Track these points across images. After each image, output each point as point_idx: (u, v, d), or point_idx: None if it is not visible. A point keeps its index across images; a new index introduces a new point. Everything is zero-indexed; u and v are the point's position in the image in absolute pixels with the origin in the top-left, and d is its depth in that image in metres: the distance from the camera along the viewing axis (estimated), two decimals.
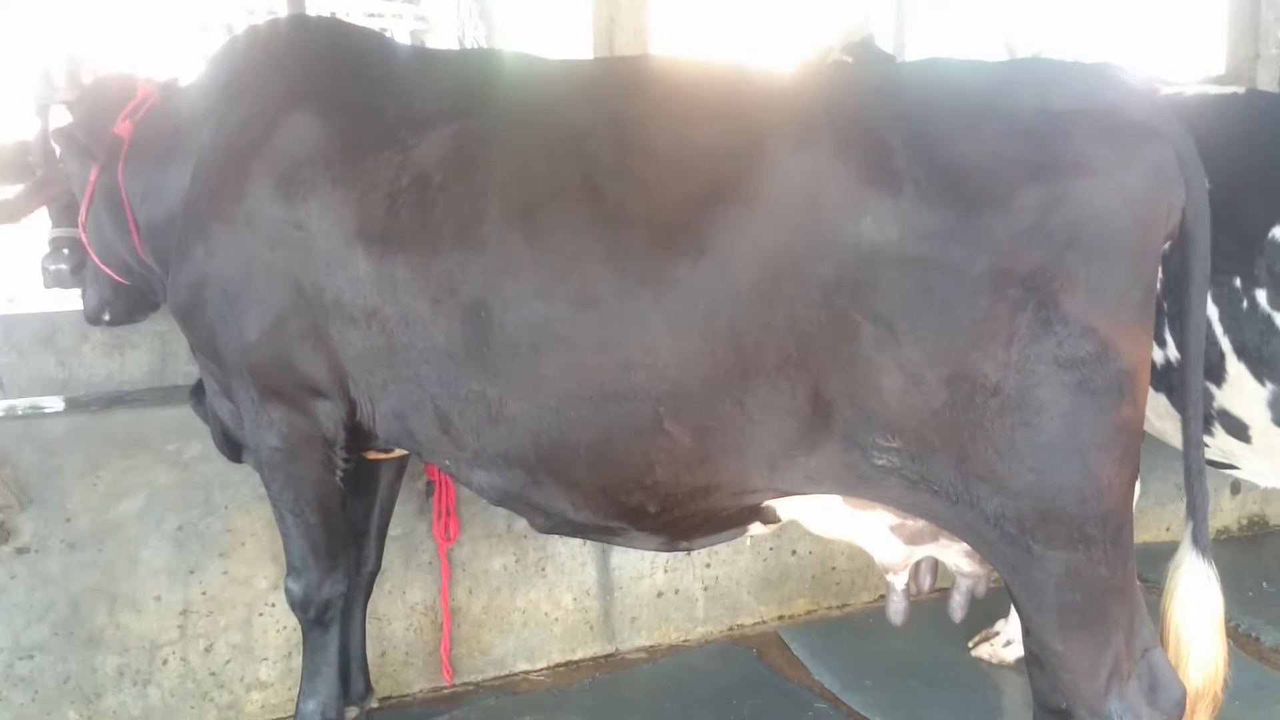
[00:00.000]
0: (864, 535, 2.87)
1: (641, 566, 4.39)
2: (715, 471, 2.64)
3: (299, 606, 3.29)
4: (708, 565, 4.50)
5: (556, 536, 4.20)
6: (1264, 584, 4.90)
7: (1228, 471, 3.55)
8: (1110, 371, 2.33)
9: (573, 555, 4.28)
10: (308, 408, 2.99)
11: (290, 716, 3.66)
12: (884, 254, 2.36)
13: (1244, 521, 5.56)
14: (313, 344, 2.89)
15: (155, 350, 4.77)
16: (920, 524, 2.76)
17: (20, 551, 3.55)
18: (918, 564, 2.98)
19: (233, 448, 3.40)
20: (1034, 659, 2.93)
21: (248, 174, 2.90)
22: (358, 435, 3.06)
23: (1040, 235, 2.29)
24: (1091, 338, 2.30)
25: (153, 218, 3.31)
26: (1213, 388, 3.20)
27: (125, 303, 3.76)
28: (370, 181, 2.78)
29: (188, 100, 3.33)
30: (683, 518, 2.77)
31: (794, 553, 4.62)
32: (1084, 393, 2.33)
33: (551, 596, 4.27)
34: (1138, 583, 2.58)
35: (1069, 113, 2.37)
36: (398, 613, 4.01)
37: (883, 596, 4.66)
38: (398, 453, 3.35)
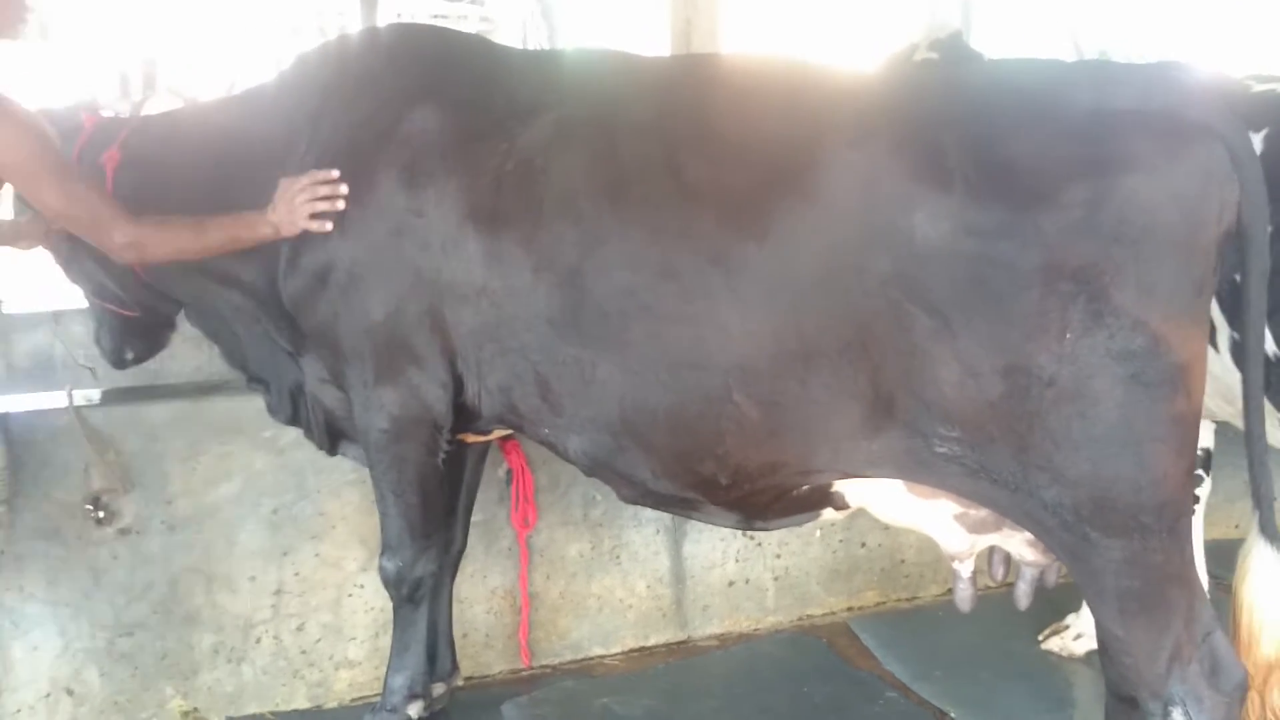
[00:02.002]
0: (929, 523, 2.95)
1: (713, 556, 4.48)
2: (781, 447, 2.76)
3: (392, 583, 3.42)
4: (778, 556, 4.57)
5: (631, 525, 4.32)
6: None
7: None
8: (1163, 365, 2.38)
9: (646, 544, 4.38)
10: (418, 391, 3.14)
11: (378, 693, 3.82)
12: (937, 249, 2.45)
13: None
14: (429, 325, 3.07)
15: None
16: (984, 513, 2.82)
17: (123, 533, 3.72)
18: (990, 554, 3.04)
19: (331, 439, 3.52)
20: (1103, 647, 3.00)
21: (374, 166, 3.07)
22: (462, 415, 3.21)
23: (1088, 230, 2.35)
24: (1143, 331, 2.36)
25: None
26: None
27: (141, 336, 3.77)
28: (480, 168, 2.99)
29: (262, 112, 3.40)
30: (753, 493, 2.90)
31: (863, 545, 4.68)
32: (1137, 385, 2.39)
33: (626, 583, 4.37)
34: (1197, 570, 2.64)
35: (1122, 113, 2.42)
36: (479, 596, 4.14)
37: (952, 589, 4.76)
38: (495, 434, 3.48)
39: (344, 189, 3.06)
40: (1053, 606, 4.49)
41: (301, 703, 3.97)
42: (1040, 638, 4.36)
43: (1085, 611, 4.29)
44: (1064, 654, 4.28)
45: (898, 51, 4.20)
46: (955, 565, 3.08)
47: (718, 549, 4.48)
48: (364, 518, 3.93)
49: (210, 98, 3.66)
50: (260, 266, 3.28)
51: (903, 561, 4.76)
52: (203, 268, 3.31)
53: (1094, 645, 4.12)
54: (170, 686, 3.82)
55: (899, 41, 4.11)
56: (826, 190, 2.57)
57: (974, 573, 3.07)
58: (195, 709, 3.84)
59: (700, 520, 3.19)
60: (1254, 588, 2.69)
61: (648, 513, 4.38)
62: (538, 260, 2.89)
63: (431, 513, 3.38)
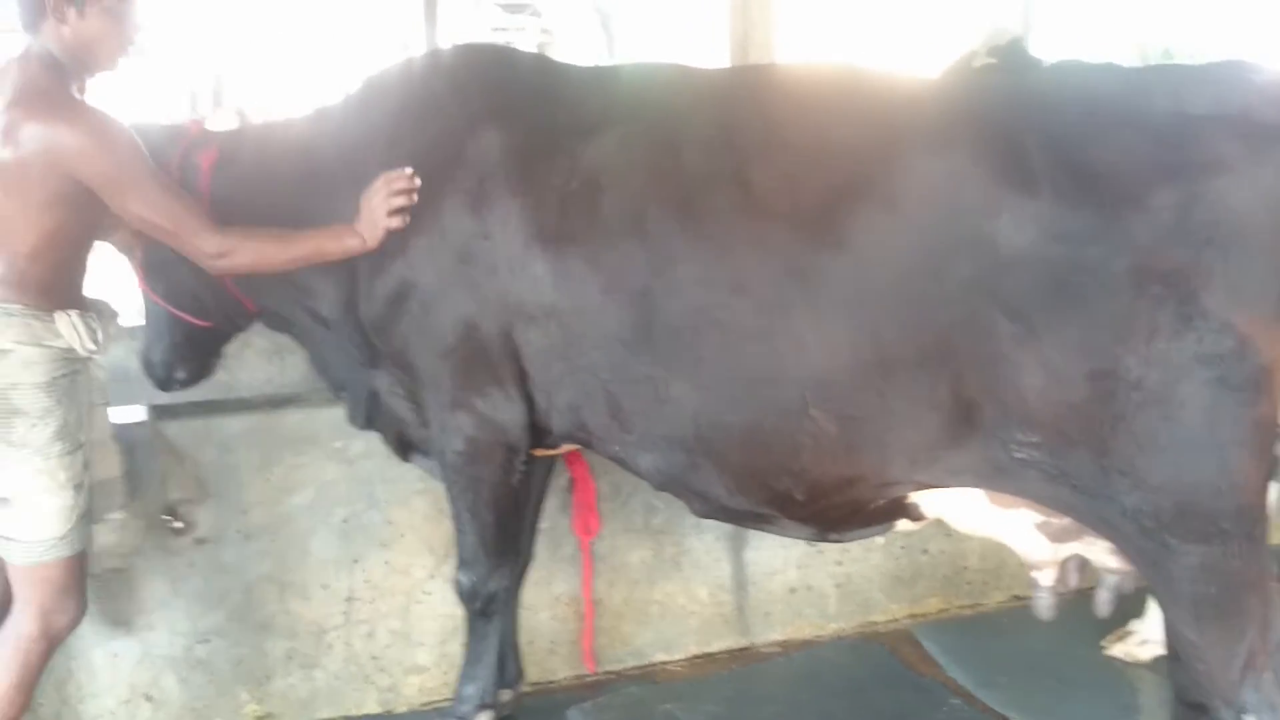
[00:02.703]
0: (1009, 533, 2.94)
1: (774, 563, 4.51)
2: (858, 460, 2.76)
3: (467, 598, 3.48)
4: (839, 563, 4.59)
5: (692, 532, 4.35)
6: None
7: None
8: (1248, 368, 2.38)
9: (708, 550, 4.42)
10: (494, 414, 3.17)
11: (447, 700, 3.90)
12: (1022, 253, 2.46)
13: None
14: (501, 348, 3.09)
15: None
16: (1065, 521, 2.81)
17: (199, 542, 3.82)
18: (1065, 561, 3.02)
19: (403, 447, 3.60)
20: (1173, 654, 2.98)
21: (441, 191, 3.10)
22: (533, 433, 3.25)
23: (1178, 233, 2.37)
24: (1230, 334, 2.36)
25: None
26: None
27: (197, 355, 3.71)
28: (545, 187, 3.01)
29: (337, 124, 3.44)
30: (829, 508, 2.90)
31: (925, 552, 4.68)
32: (1223, 388, 2.39)
33: (687, 590, 4.41)
34: (1273, 578, 2.62)
35: (1203, 116, 2.44)
36: (543, 603, 4.19)
37: (1015, 597, 4.79)
38: (564, 448, 3.51)
39: (418, 181, 3.08)
40: (1117, 612, 4.43)
41: (372, 707, 4.05)
42: (1104, 643, 4.33)
43: (1150, 617, 4.26)
44: (1129, 660, 4.25)
45: (958, 59, 4.19)
46: (1035, 574, 3.07)
47: (779, 555, 4.50)
48: (432, 526, 4.01)
49: (296, 112, 3.71)
50: (339, 281, 3.32)
51: (965, 568, 4.75)
52: (290, 278, 3.36)
53: (1159, 651, 4.14)
54: (245, 692, 3.91)
55: (958, 49, 4.10)
56: (904, 197, 2.58)
57: (1054, 582, 3.06)
58: (269, 714, 3.93)
59: (774, 533, 3.19)
60: None
61: (709, 520, 4.42)
62: (607, 279, 2.90)
63: (506, 531, 3.43)
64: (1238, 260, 2.37)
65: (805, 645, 4.52)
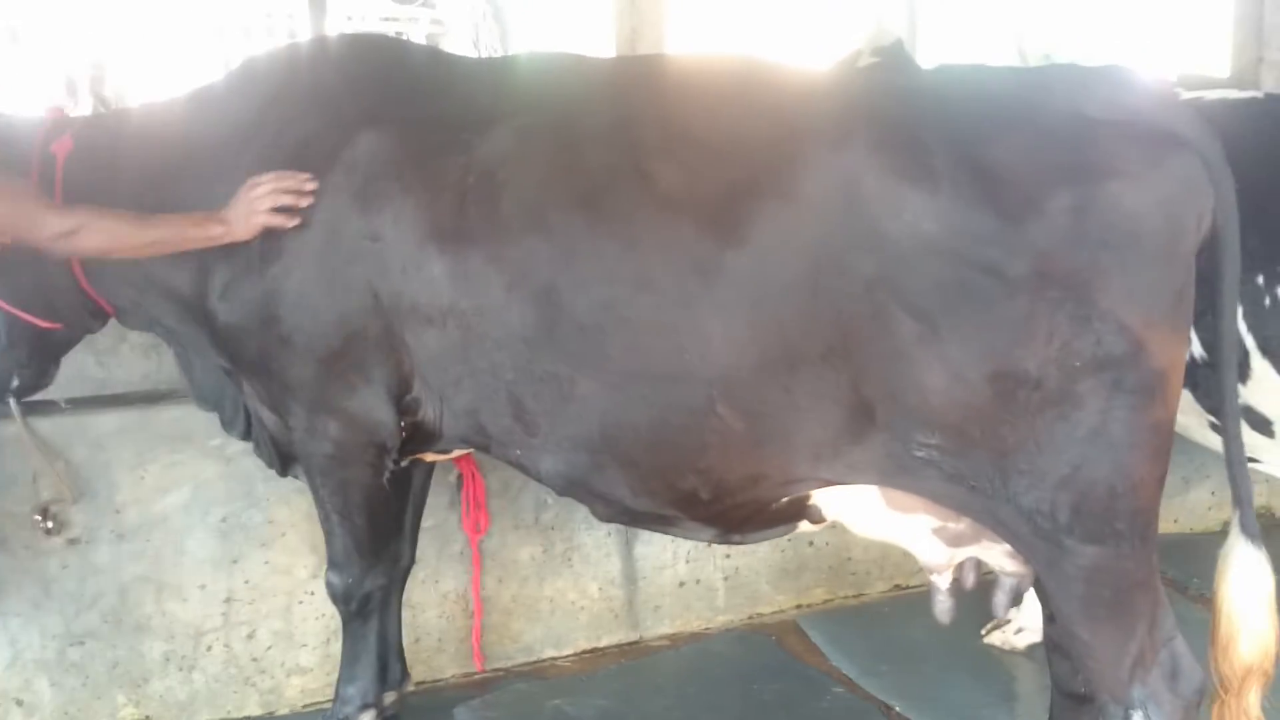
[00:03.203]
0: (907, 538, 2.96)
1: (664, 557, 4.53)
2: (764, 458, 2.75)
3: (340, 599, 3.44)
4: (728, 556, 4.63)
5: (583, 528, 4.35)
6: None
7: (1251, 465, 3.65)
8: (1143, 371, 2.43)
9: (598, 546, 4.43)
10: (367, 415, 3.10)
11: (330, 700, 3.83)
12: (923, 251, 2.46)
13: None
14: (384, 349, 3.01)
15: None
16: (962, 526, 2.84)
17: (72, 542, 3.71)
18: (962, 563, 3.05)
19: (283, 460, 3.46)
20: (1056, 646, 3.05)
21: (324, 189, 2.96)
22: (421, 438, 3.17)
23: (1075, 236, 2.39)
24: (1126, 336, 2.40)
25: None
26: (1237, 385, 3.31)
27: (38, 358, 3.46)
28: (439, 184, 2.90)
29: (209, 111, 3.30)
30: (733, 507, 2.88)
31: (811, 544, 4.74)
32: (1119, 391, 2.43)
33: (578, 586, 4.41)
34: (1159, 576, 2.69)
35: (1100, 119, 2.46)
36: (431, 601, 4.16)
37: (898, 586, 4.89)
38: (455, 453, 3.46)
39: (312, 186, 2.94)
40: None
41: (254, 710, 3.97)
42: (983, 632, 4.44)
43: (1026, 606, 4.37)
44: (1006, 648, 4.37)
45: (843, 57, 4.26)
46: (933, 578, 3.09)
47: (668, 550, 4.52)
48: (314, 525, 3.89)
49: (161, 98, 3.56)
50: (195, 280, 3.16)
51: (850, 559, 4.83)
52: (147, 273, 3.20)
53: (1035, 639, 4.27)
54: (122, 695, 3.81)
55: (843, 48, 4.18)
56: (806, 192, 2.55)
57: (950, 584, 3.09)
58: (147, 717, 3.84)
59: (676, 535, 3.18)
60: (1233, 589, 2.70)
61: None
62: (510, 277, 2.81)
63: (378, 531, 3.39)
64: (1133, 263, 2.39)
65: (694, 638, 4.56)
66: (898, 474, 2.68)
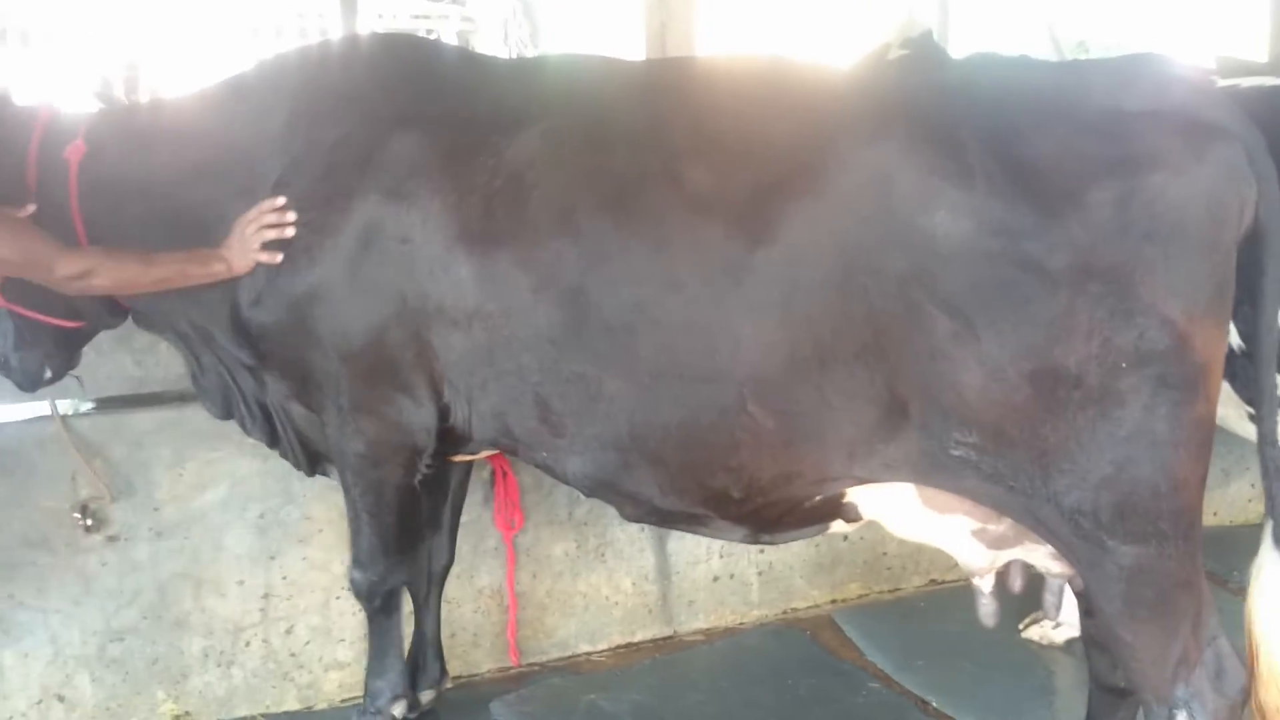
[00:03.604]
0: (946, 540, 2.92)
1: (698, 552, 4.53)
2: (796, 456, 2.72)
3: (364, 596, 3.45)
4: (761, 551, 4.62)
5: (615, 523, 4.35)
6: None
7: None
8: (1187, 366, 2.39)
9: (631, 541, 4.43)
10: (400, 417, 3.10)
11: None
12: (959, 248, 2.42)
13: None
14: (414, 352, 3.00)
15: None
16: (1003, 528, 2.80)
17: (111, 540, 3.75)
18: (1008, 566, 3.00)
19: (310, 459, 3.49)
20: (1094, 640, 3.03)
21: (352, 190, 2.98)
22: (451, 440, 3.17)
23: (1118, 230, 2.35)
24: (1170, 330, 2.36)
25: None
26: None
27: (66, 349, 3.52)
28: (468, 186, 2.90)
29: (232, 113, 3.27)
30: (765, 506, 2.85)
31: (845, 538, 4.73)
32: (1162, 387, 2.39)
33: (611, 581, 4.42)
34: (1204, 575, 2.63)
35: (1141, 112, 2.42)
36: (466, 596, 4.18)
37: (934, 581, 4.86)
38: (484, 454, 3.45)
39: (291, 216, 2.99)
40: (1033, 596, 4.55)
41: (292, 704, 4.00)
42: (1020, 627, 4.42)
43: (1065, 600, 4.35)
44: (1044, 642, 4.35)
45: (872, 50, 4.23)
46: (975, 581, 3.04)
47: (702, 545, 4.52)
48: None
49: (173, 94, 3.54)
50: (227, 287, 3.15)
51: (884, 554, 4.81)
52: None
53: (1073, 634, 4.24)
54: (161, 691, 3.85)
55: (872, 40, 4.15)
56: (839, 190, 2.53)
57: (994, 587, 3.04)
58: (186, 713, 3.87)
59: (706, 535, 3.16)
60: (1266, 614, 2.66)
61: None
62: (537, 279, 2.81)
63: (407, 531, 3.39)
64: (1177, 256, 2.35)
65: (728, 633, 4.56)
66: (934, 472, 2.64)
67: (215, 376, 3.46)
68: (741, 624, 4.62)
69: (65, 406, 3.72)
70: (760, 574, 4.64)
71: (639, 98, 2.99)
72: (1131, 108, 2.43)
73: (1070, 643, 4.30)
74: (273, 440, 3.51)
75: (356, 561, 3.41)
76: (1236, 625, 2.76)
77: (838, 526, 3.01)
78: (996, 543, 2.86)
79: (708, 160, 2.71)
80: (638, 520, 3.14)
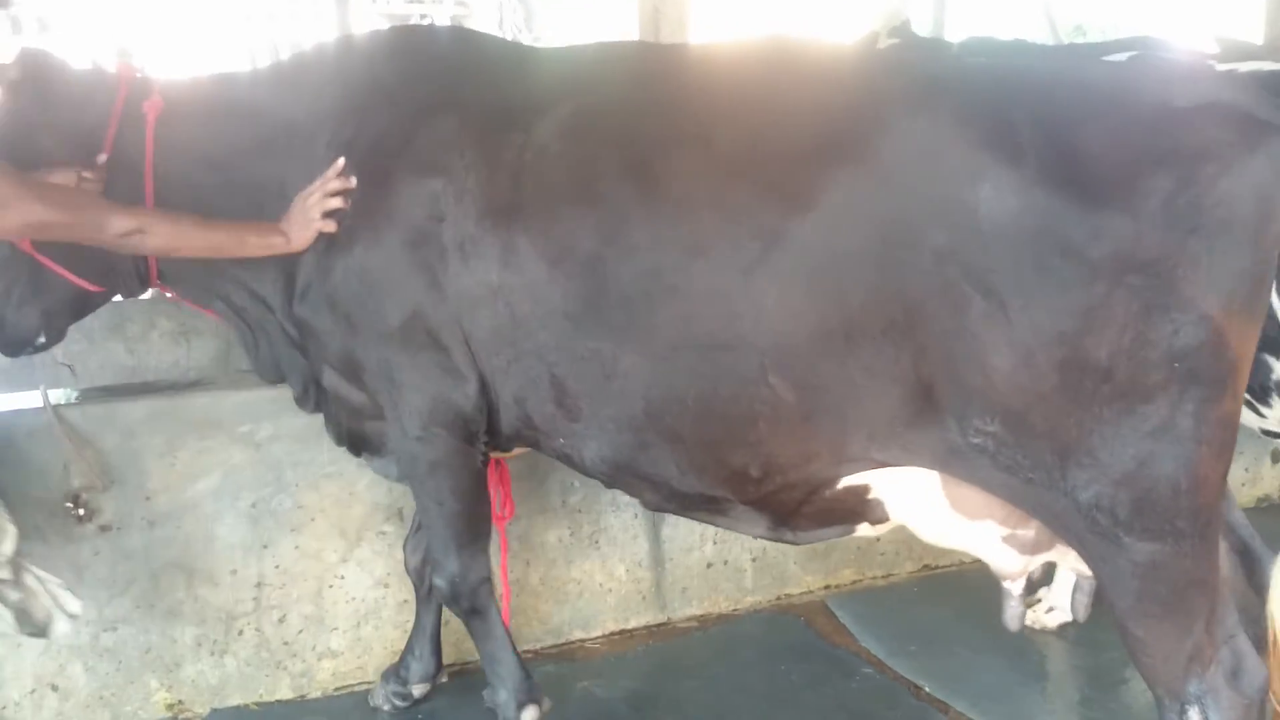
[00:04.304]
0: (977, 545, 2.89)
1: (691, 539, 4.53)
2: (815, 434, 2.68)
3: (449, 600, 3.43)
4: (755, 537, 4.62)
5: (609, 510, 4.37)
6: None
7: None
8: (1219, 363, 2.34)
9: (625, 528, 4.43)
10: (448, 394, 3.10)
11: (361, 684, 3.93)
12: (1001, 226, 2.38)
13: None
14: (449, 330, 3.02)
15: (220, 336, 4.98)
16: (1032, 532, 2.78)
17: (103, 529, 3.74)
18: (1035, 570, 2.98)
19: (353, 442, 3.50)
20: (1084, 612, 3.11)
21: (392, 172, 3.02)
22: (493, 428, 3.18)
23: (1165, 222, 2.30)
24: (1206, 326, 2.31)
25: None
26: (1272, 360, 3.26)
27: (67, 315, 3.43)
28: (497, 163, 2.93)
29: (289, 93, 3.32)
30: (785, 487, 2.81)
31: None
32: (1193, 383, 2.34)
33: (605, 568, 4.42)
34: (1221, 573, 2.60)
35: (1192, 107, 2.39)
36: None
37: (927, 566, 4.87)
38: (515, 452, 3.44)
39: (352, 181, 3.04)
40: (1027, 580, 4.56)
41: (285, 693, 4.00)
42: None
43: (1057, 585, 4.37)
44: (1036, 627, 4.35)
45: (861, 38, 4.24)
46: (1005, 584, 3.02)
47: (695, 532, 4.52)
48: (342, 510, 3.97)
49: (240, 69, 3.57)
50: (284, 268, 3.23)
51: (878, 540, 4.81)
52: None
53: (1066, 618, 4.26)
54: (154, 679, 3.85)
55: (859, 30, 4.16)
56: (882, 159, 2.49)
57: (1024, 591, 3.03)
58: (180, 701, 3.88)
59: (726, 526, 3.13)
60: None
61: (625, 497, 4.41)
62: (556, 250, 2.81)
63: (476, 519, 3.36)
64: (1220, 250, 2.31)
65: (722, 619, 4.57)
66: (950, 458, 2.59)
67: (268, 346, 3.48)
68: (735, 610, 4.62)
69: (57, 396, 3.72)
70: (754, 560, 4.64)
71: (669, 76, 2.98)
72: (1183, 102, 2.39)
73: (1063, 627, 4.32)
74: (317, 409, 3.54)
75: (434, 564, 3.39)
76: None
77: (864, 530, 2.99)
78: (1029, 547, 2.83)
79: (740, 126, 2.68)
80: (657, 508, 3.13)
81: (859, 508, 2.87)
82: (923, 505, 2.80)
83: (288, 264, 3.21)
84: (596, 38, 3.36)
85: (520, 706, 3.50)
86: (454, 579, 3.37)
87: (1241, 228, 2.31)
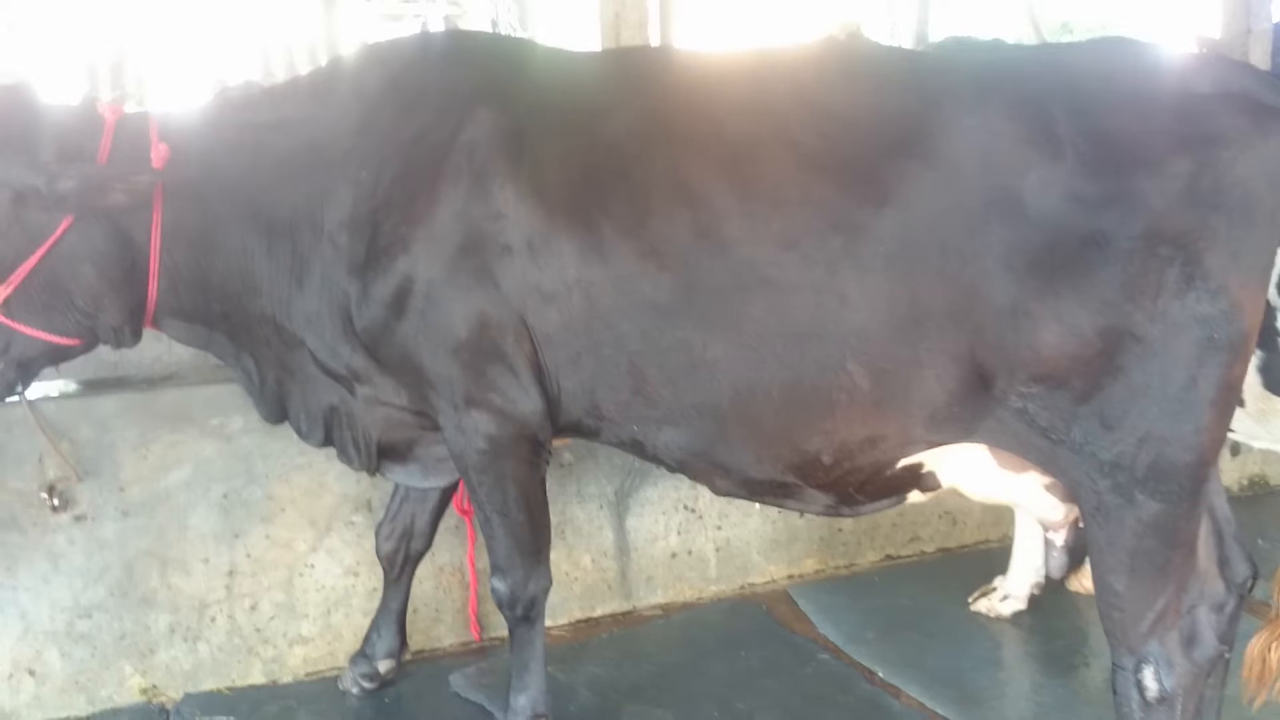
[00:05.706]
0: (1022, 496, 3.10)
1: (656, 529, 4.65)
2: (884, 418, 2.88)
3: (506, 605, 3.44)
4: (719, 528, 4.74)
5: (574, 500, 4.48)
6: (1260, 541, 5.05)
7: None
8: (1234, 331, 2.60)
9: (590, 519, 4.55)
10: (514, 405, 3.11)
11: (331, 669, 4.05)
12: (1046, 212, 2.64)
13: (1245, 482, 5.74)
14: (515, 333, 3.03)
15: None
16: None
17: (78, 519, 3.86)
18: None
19: (370, 457, 3.48)
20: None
21: (439, 178, 3.01)
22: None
23: (1189, 200, 2.58)
24: (1225, 296, 2.58)
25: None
26: None
27: (46, 363, 3.33)
28: (565, 163, 2.99)
29: (319, 116, 3.25)
30: (852, 470, 2.99)
31: (802, 515, 4.83)
32: (1210, 347, 2.60)
33: (571, 558, 4.53)
34: (1199, 540, 2.84)
35: (1211, 94, 2.68)
36: (427, 573, 4.26)
37: (888, 556, 4.97)
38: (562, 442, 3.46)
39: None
40: (983, 569, 4.68)
41: (257, 678, 4.11)
42: (969, 600, 4.53)
43: (1012, 574, 4.47)
44: (991, 615, 4.46)
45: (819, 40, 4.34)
46: (1049, 534, 3.25)
47: (660, 522, 4.64)
48: (312, 500, 4.09)
49: (243, 91, 3.49)
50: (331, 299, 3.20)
51: (840, 530, 4.92)
52: (257, 292, 3.24)
53: (1020, 607, 4.37)
54: (129, 665, 3.96)
55: (816, 34, 4.26)
56: (945, 155, 2.72)
57: (1065, 540, 3.24)
58: (154, 686, 3.99)
59: (790, 508, 3.25)
60: None
61: (591, 488, 4.54)
62: (646, 246, 2.88)
63: (539, 529, 3.37)
64: (1238, 227, 2.57)
65: (686, 608, 4.67)
66: (996, 429, 2.82)
67: (274, 384, 3.45)
68: (699, 599, 4.72)
69: (33, 390, 3.82)
70: (718, 550, 4.75)
71: (729, 79, 3.11)
72: (1202, 90, 2.67)
73: (1017, 615, 4.42)
74: (326, 442, 3.52)
75: (495, 569, 3.40)
76: None
77: (914, 496, 3.15)
78: (1069, 495, 2.98)
79: (819, 127, 2.86)
80: (726, 494, 3.24)
81: (913, 480, 3.07)
82: (972, 469, 3.03)
83: (333, 288, 3.18)
84: (585, 37, 3.44)
85: (535, 718, 3.54)
86: (515, 586, 3.38)
87: (1257, 207, 2.59)
